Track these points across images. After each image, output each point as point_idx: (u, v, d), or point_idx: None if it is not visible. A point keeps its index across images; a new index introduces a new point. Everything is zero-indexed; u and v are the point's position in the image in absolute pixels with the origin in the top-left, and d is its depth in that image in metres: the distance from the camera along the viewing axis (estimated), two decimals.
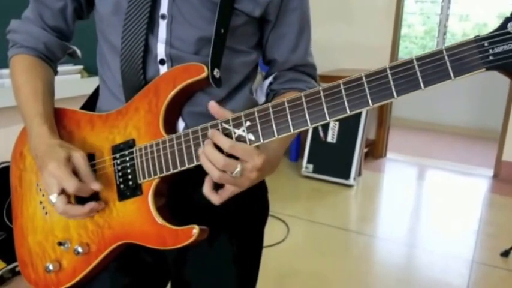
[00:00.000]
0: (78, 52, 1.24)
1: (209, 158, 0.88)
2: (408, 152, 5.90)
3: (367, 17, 5.20)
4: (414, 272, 3.09)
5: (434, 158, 5.69)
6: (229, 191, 0.92)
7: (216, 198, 0.93)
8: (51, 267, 1.06)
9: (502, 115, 4.91)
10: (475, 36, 0.73)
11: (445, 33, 6.98)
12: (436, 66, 0.74)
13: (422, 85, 0.75)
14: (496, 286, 2.90)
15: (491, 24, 6.92)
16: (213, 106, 0.91)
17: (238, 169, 0.87)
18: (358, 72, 0.79)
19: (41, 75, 1.11)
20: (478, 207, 4.18)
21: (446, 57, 0.74)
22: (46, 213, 1.10)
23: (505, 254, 3.18)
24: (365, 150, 4.93)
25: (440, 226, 3.76)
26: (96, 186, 0.97)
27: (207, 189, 0.93)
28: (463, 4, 7.01)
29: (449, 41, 7.00)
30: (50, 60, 1.16)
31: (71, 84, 2.95)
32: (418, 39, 7.48)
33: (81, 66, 3.15)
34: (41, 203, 1.11)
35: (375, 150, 5.50)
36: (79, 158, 0.97)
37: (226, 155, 0.87)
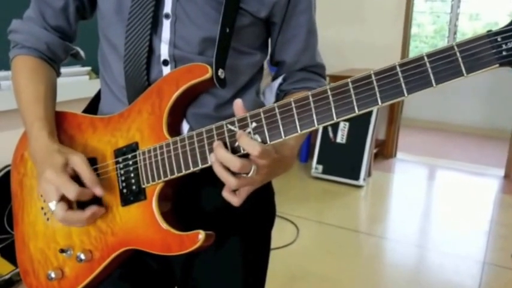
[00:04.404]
0: (82, 53, 1.21)
1: (224, 162, 0.84)
2: (418, 152, 5.86)
3: (377, 16, 5.19)
4: (425, 273, 3.05)
5: (445, 158, 5.65)
6: (246, 190, 0.90)
7: (235, 200, 0.90)
8: (53, 275, 1.04)
9: None
10: (488, 31, 0.70)
11: (455, 33, 6.95)
12: (448, 63, 0.71)
13: (434, 82, 0.72)
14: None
15: (502, 23, 6.84)
16: (237, 104, 0.88)
17: (253, 168, 0.85)
18: None
19: (42, 77, 1.09)
20: (489, 207, 4.13)
21: (458, 53, 0.71)
22: (48, 219, 1.07)
23: None
24: (375, 150, 4.91)
25: (451, 227, 3.72)
26: (98, 191, 0.94)
27: (226, 192, 0.90)
28: (473, 3, 6.95)
29: None
30: (53, 61, 1.14)
31: (80, 85, 2.95)
32: (428, 39, 7.44)
33: (89, 68, 3.15)
34: (42, 208, 1.08)
35: (385, 151, 5.48)
36: (78, 162, 0.94)
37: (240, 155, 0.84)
